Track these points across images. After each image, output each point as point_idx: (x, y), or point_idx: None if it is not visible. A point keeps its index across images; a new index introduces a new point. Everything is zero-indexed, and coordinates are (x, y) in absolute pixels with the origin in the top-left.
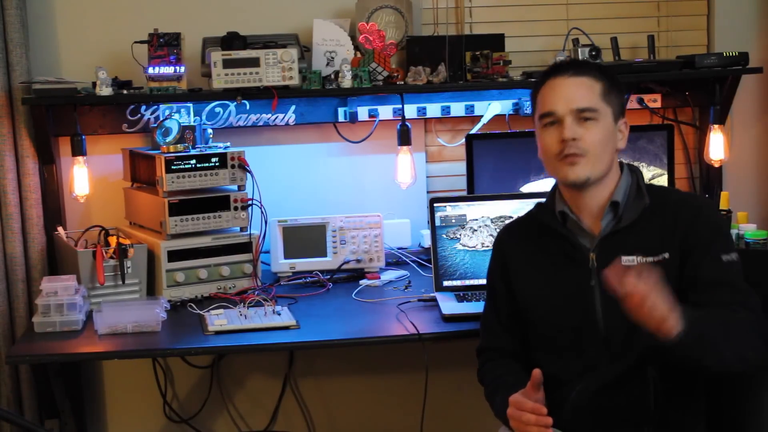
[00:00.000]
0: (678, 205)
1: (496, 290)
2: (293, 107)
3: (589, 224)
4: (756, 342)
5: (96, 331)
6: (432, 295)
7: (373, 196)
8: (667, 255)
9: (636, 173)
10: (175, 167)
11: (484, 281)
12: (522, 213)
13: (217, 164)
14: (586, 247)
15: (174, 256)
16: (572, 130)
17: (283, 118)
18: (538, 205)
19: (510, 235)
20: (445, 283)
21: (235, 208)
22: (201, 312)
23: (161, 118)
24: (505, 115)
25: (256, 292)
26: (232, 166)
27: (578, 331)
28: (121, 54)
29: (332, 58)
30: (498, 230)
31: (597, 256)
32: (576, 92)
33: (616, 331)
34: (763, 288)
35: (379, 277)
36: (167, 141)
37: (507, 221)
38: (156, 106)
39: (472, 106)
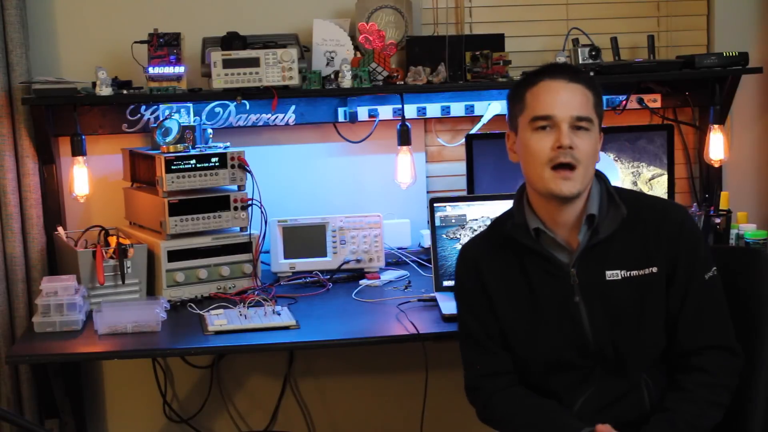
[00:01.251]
0: (658, 215)
1: (480, 305)
2: (293, 107)
3: (565, 238)
4: (714, 413)
5: (96, 331)
6: (432, 295)
7: (373, 196)
8: (655, 269)
9: (604, 180)
10: (175, 167)
11: None
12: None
13: (217, 164)
14: (566, 263)
15: (174, 256)
16: (570, 137)
17: (283, 118)
18: (509, 222)
19: (479, 253)
20: (445, 283)
21: (235, 208)
22: (201, 312)
23: (161, 118)
24: (505, 115)
25: (256, 292)
26: (232, 166)
27: (568, 348)
28: (121, 54)
29: (332, 58)
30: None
31: (578, 272)
32: (574, 99)
33: (606, 345)
34: (758, 288)
35: (379, 277)
36: (167, 141)
37: (468, 240)
38: (156, 106)
39: (472, 106)
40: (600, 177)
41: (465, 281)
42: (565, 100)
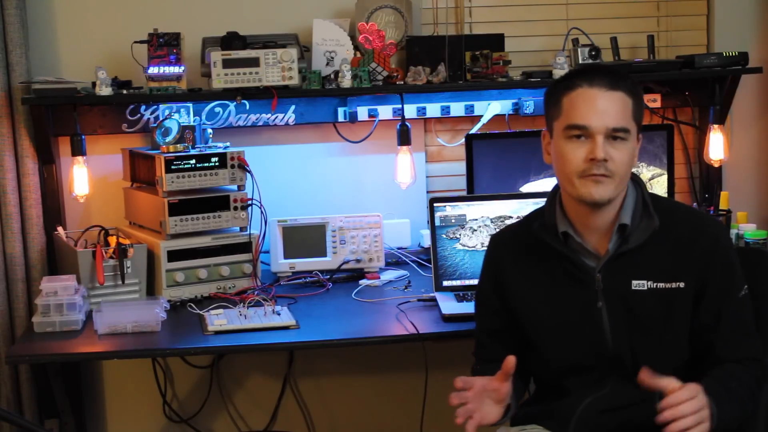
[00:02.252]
0: (692, 230)
1: (485, 302)
2: (293, 107)
3: (594, 244)
4: (750, 407)
5: (96, 331)
6: (432, 295)
7: (372, 196)
8: (682, 284)
9: (640, 186)
10: (174, 167)
11: None
12: (524, 213)
13: (216, 164)
14: (592, 267)
15: (174, 256)
16: (604, 149)
17: (283, 118)
18: (538, 223)
19: (505, 247)
20: (445, 283)
21: (235, 208)
22: (201, 312)
23: (161, 118)
24: (504, 115)
25: (256, 292)
26: (232, 166)
27: (586, 350)
28: (121, 54)
29: (332, 58)
30: (498, 230)
31: (603, 277)
32: (611, 109)
33: (624, 353)
34: (763, 288)
35: (379, 277)
36: (167, 141)
37: (500, 229)
38: (156, 106)
39: (472, 106)
40: (637, 183)
41: (483, 271)
42: (602, 109)
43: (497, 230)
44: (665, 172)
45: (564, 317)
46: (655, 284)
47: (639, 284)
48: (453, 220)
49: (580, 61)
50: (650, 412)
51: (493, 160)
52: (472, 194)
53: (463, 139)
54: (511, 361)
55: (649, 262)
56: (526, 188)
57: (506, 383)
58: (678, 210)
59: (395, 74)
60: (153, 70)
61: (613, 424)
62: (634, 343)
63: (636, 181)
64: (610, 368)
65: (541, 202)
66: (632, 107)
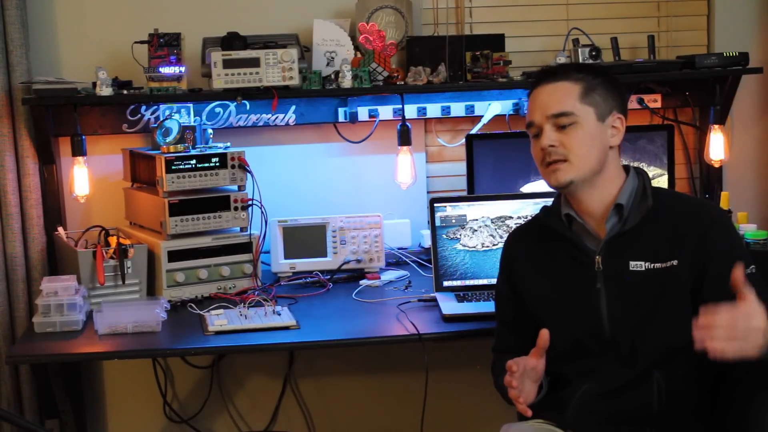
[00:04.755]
0: (689, 212)
1: (501, 292)
2: (293, 107)
3: (594, 227)
4: None
5: (96, 331)
6: (432, 295)
7: (373, 196)
8: (675, 262)
9: (643, 176)
10: (175, 167)
11: (484, 281)
12: (525, 213)
13: (217, 164)
14: (592, 250)
15: (174, 256)
16: (549, 137)
17: (283, 118)
18: (544, 208)
19: (517, 238)
20: (445, 283)
21: (235, 208)
22: (201, 312)
23: (161, 118)
24: (505, 115)
25: (256, 292)
26: (232, 166)
27: (585, 333)
28: (121, 54)
29: (332, 58)
30: (498, 230)
31: (603, 259)
32: (550, 99)
33: (621, 334)
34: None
35: (379, 277)
36: (167, 141)
37: (516, 224)
38: (156, 106)
39: (472, 106)
40: (640, 174)
41: (500, 263)
42: (543, 103)
43: (496, 229)
44: (666, 172)
45: (566, 299)
46: (652, 264)
47: (636, 265)
48: (453, 221)
49: (581, 62)
50: (646, 395)
51: (493, 161)
52: (472, 194)
53: (464, 140)
54: (545, 334)
55: (647, 244)
56: (526, 188)
57: (542, 360)
58: (681, 197)
59: (395, 74)
60: (153, 70)
61: (609, 410)
62: (630, 324)
63: (639, 172)
64: (608, 351)
65: (541, 202)
66: (580, 92)
